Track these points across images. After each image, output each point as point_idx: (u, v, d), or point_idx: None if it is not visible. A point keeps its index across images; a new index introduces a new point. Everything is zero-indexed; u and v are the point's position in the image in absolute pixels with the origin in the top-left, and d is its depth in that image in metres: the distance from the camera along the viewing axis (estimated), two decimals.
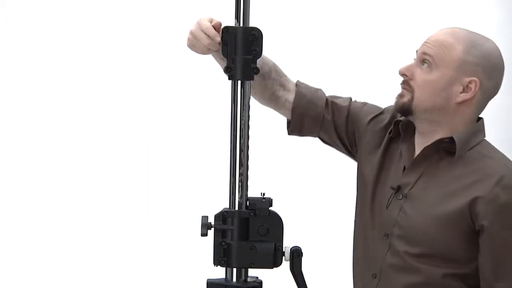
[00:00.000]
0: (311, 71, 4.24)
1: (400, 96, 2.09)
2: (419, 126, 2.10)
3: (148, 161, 4.16)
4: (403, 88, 2.09)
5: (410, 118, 2.10)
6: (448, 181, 2.04)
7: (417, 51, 2.10)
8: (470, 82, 2.04)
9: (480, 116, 2.12)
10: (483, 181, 2.00)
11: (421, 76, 2.06)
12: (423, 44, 2.09)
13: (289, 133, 2.31)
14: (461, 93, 2.04)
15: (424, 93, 2.05)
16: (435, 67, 2.04)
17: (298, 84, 2.27)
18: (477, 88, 2.04)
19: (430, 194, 2.05)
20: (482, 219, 1.98)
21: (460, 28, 2.10)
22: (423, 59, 2.06)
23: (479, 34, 2.09)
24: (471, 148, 2.06)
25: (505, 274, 1.99)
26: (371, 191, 2.16)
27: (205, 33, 1.98)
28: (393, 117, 2.18)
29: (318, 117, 2.25)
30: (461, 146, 2.05)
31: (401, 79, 2.11)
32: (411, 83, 2.07)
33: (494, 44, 2.09)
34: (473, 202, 1.98)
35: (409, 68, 2.09)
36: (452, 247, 2.02)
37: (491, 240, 1.98)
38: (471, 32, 2.09)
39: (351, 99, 2.29)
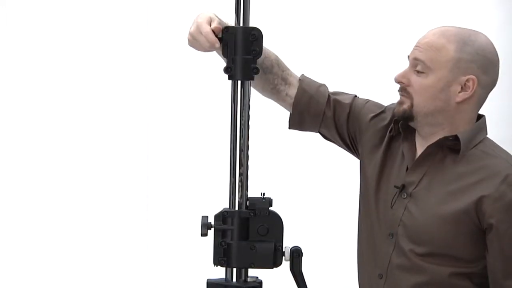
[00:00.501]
0: (311, 71, 4.24)
1: (400, 103, 2.09)
2: (421, 130, 2.10)
3: (148, 161, 4.16)
4: (401, 95, 2.09)
5: (412, 124, 2.10)
6: (452, 179, 2.04)
7: (408, 56, 2.09)
8: (467, 80, 2.03)
9: (481, 114, 2.12)
10: (488, 179, 2.00)
11: (417, 81, 2.05)
12: (414, 49, 2.08)
13: (289, 127, 2.30)
14: (459, 92, 2.04)
15: (423, 98, 2.05)
16: (430, 71, 2.04)
17: (301, 79, 2.27)
18: (475, 86, 2.03)
19: (434, 192, 2.05)
20: (490, 217, 1.98)
21: (449, 26, 2.08)
22: (417, 64, 2.06)
23: (469, 30, 2.08)
24: (474, 146, 2.06)
25: None
26: (374, 189, 2.16)
27: (205, 37, 1.98)
28: (394, 115, 2.17)
29: (319, 114, 2.25)
30: (466, 144, 2.05)
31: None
32: (409, 89, 2.06)
33: (486, 37, 2.08)
34: (479, 201, 1.98)
35: (404, 74, 2.08)
36: (458, 246, 2.02)
37: (499, 238, 1.98)
38: (461, 28, 2.07)
39: (355, 96, 2.29)
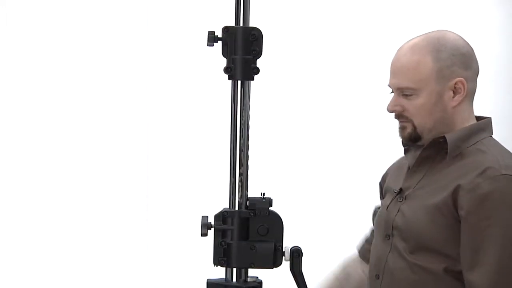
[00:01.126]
0: (311, 71, 4.25)
1: (402, 129, 2.11)
2: (427, 142, 2.12)
3: (148, 161, 4.16)
4: (400, 121, 2.11)
5: (419, 143, 2.11)
6: (442, 177, 2.05)
7: (389, 85, 2.10)
8: (456, 83, 2.05)
9: (487, 116, 2.13)
10: (469, 172, 2.00)
11: (410, 105, 2.07)
12: (392, 77, 2.09)
13: None
14: (454, 97, 2.06)
15: (422, 116, 2.07)
16: (418, 91, 2.05)
17: None
18: (465, 86, 2.05)
19: (425, 191, 2.07)
20: (461, 208, 1.98)
21: (413, 38, 2.10)
22: (402, 90, 2.07)
23: (434, 33, 2.09)
24: (470, 146, 2.07)
25: (478, 263, 1.95)
26: (381, 199, 2.24)
27: None
28: (402, 142, 2.21)
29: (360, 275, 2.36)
30: (456, 145, 2.06)
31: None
32: (405, 114, 2.08)
33: (452, 33, 2.09)
34: (455, 191, 1.99)
35: (395, 103, 2.09)
36: (445, 241, 2.01)
37: (469, 229, 1.97)
38: (426, 35, 2.09)
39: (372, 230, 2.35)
